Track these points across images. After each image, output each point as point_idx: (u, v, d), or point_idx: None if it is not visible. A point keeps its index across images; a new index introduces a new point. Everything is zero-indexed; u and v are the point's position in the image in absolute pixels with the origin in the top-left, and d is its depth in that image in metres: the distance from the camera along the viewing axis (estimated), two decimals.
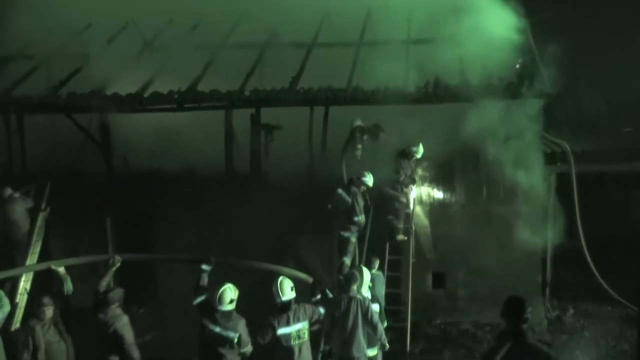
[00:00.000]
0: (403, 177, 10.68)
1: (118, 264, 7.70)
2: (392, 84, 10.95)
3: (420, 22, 10.40)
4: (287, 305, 7.12)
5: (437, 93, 10.71)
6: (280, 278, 7.26)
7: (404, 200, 10.72)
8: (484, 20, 10.39)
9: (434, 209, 11.38)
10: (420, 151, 10.68)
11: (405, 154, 10.72)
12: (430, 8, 10.62)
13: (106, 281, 7.62)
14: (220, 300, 6.98)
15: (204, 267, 7.49)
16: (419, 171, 11.22)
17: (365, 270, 8.29)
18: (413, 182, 10.86)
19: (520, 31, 10.87)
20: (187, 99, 11.26)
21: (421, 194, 11.35)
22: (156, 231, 11.37)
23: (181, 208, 11.03)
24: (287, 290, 7.15)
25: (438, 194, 11.46)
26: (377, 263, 9.34)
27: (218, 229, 10.41)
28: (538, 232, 10.55)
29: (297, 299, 7.23)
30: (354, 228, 9.97)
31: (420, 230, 11.12)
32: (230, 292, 7.05)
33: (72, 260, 8.22)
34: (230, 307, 7.02)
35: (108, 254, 9.85)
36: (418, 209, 11.24)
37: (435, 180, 11.47)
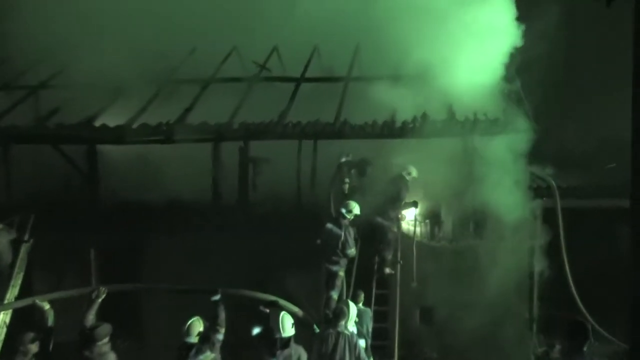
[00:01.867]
0: (397, 202, 10.65)
1: (103, 296, 7.62)
2: (380, 118, 11.12)
3: (409, 59, 10.60)
4: (287, 342, 7.05)
5: (424, 128, 10.86)
6: (283, 313, 7.25)
7: (393, 228, 10.71)
8: (471, 56, 10.61)
9: (422, 243, 11.41)
10: (413, 173, 10.67)
11: (401, 178, 10.71)
12: (418, 45, 10.83)
13: (92, 315, 7.52)
14: (189, 332, 7.01)
15: (215, 298, 7.44)
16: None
17: (352, 304, 8.29)
18: (415, 205, 10.77)
19: (507, 67, 11.13)
20: (176, 131, 11.32)
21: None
22: (142, 263, 11.27)
23: (168, 240, 10.97)
24: (288, 327, 7.11)
25: (425, 229, 11.51)
26: (362, 297, 9.31)
27: (205, 262, 10.35)
28: (525, 268, 10.61)
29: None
30: (342, 262, 9.96)
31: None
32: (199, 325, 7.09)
33: (56, 295, 8.12)
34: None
35: (92, 286, 9.72)
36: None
37: (423, 214, 11.54)
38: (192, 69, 13.27)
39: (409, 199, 10.80)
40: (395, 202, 10.66)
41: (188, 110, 11.83)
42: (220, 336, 7.19)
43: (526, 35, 10.73)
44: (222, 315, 7.35)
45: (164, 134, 11.31)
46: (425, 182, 10.65)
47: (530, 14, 10.84)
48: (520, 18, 10.78)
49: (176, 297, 9.35)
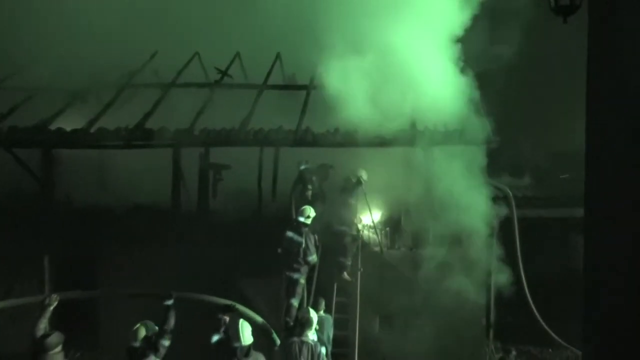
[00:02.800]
0: (353, 206, 10.74)
1: (55, 303, 7.43)
2: (342, 127, 11.21)
3: (371, 68, 10.73)
4: (247, 351, 7.01)
5: (385, 137, 10.99)
6: (241, 321, 7.20)
7: (351, 233, 10.78)
8: (431, 67, 10.80)
9: (381, 252, 11.51)
10: (363, 176, 10.75)
11: (351, 182, 10.80)
12: (380, 55, 10.97)
13: (43, 324, 7.31)
14: (134, 336, 6.95)
15: (167, 302, 7.35)
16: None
17: (312, 312, 8.30)
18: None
19: (466, 81, 11.37)
20: (135, 137, 11.17)
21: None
22: (98, 272, 11.03)
23: (125, 248, 10.78)
24: (247, 335, 7.07)
25: (385, 237, 11.62)
26: (323, 304, 9.35)
27: (163, 270, 10.21)
28: (483, 276, 10.83)
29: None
30: (303, 269, 9.96)
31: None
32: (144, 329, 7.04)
33: (6, 303, 7.88)
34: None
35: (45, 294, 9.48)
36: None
37: (383, 222, 11.66)
38: (153, 73, 13.13)
39: (362, 203, 10.91)
40: (348, 206, 10.75)
41: (148, 115, 11.69)
42: (166, 342, 7.11)
43: (486, 47, 10.99)
44: (172, 321, 7.29)
45: (122, 139, 11.14)
46: (385, 190, 10.76)
47: (492, 26, 11.10)
48: (480, 30, 11.03)
49: (131, 304, 9.21)
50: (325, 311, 9.37)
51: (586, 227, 4.92)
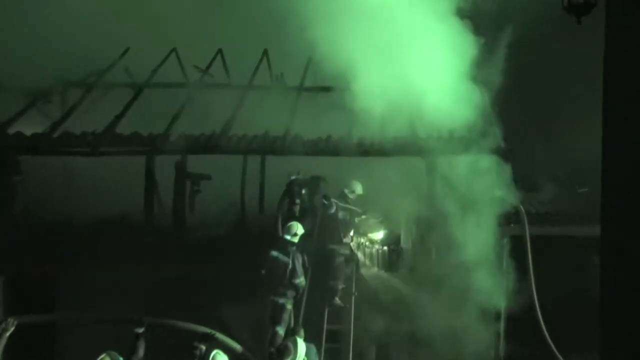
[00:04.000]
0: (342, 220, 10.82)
1: (11, 329, 7.46)
2: (336, 134, 11.31)
3: (366, 70, 10.84)
4: None
5: (383, 145, 11.09)
6: (214, 353, 7.25)
7: (345, 252, 10.85)
8: (436, 70, 10.92)
9: (379, 273, 11.59)
10: (357, 189, 10.88)
11: (342, 196, 10.90)
12: (376, 55, 11.09)
13: None
14: None
15: (138, 330, 7.38)
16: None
17: (300, 341, 8.36)
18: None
19: (475, 83, 11.50)
20: (104, 142, 11.22)
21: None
22: (60, 292, 11.03)
23: (90, 267, 10.79)
24: None
25: (383, 258, 11.71)
26: (302, 333, 9.36)
27: (134, 291, 10.24)
28: (490, 300, 10.90)
29: None
30: (290, 293, 10.02)
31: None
32: None
33: None
34: None
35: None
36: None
37: (380, 241, 11.75)
38: (124, 71, 13.20)
39: (356, 220, 11.00)
40: (339, 224, 10.82)
41: (118, 118, 11.76)
42: None
43: (496, 50, 11.13)
44: (141, 351, 7.36)
45: (89, 145, 11.20)
46: (384, 205, 10.85)
47: (502, 27, 11.25)
48: (490, 31, 11.18)
49: (96, 330, 9.24)
50: (310, 340, 9.40)
51: (602, 247, 5.02)
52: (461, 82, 11.15)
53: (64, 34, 11.84)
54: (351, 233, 11.17)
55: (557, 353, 11.14)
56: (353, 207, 10.93)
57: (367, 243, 11.51)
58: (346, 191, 10.91)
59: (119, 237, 10.90)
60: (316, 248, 10.78)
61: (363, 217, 11.54)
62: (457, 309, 10.42)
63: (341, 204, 10.82)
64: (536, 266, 11.35)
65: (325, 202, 10.85)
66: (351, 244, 11.16)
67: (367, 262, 11.57)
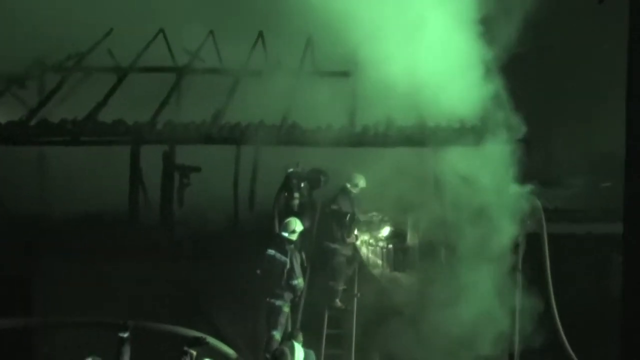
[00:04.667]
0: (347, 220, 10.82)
1: None
2: (337, 122, 11.29)
3: (369, 53, 10.82)
4: None
5: (389, 135, 11.08)
6: None
7: (347, 253, 10.85)
8: (446, 54, 10.90)
9: (383, 275, 11.60)
10: (360, 183, 10.87)
11: (344, 191, 10.88)
12: (382, 36, 11.07)
13: None
14: None
15: (122, 334, 7.40)
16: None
17: (297, 346, 8.39)
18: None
19: (489, 68, 11.48)
20: (85, 131, 11.20)
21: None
22: (36, 295, 11.06)
23: (70, 266, 10.81)
24: None
25: (388, 257, 11.72)
26: (300, 337, 9.38)
27: (118, 292, 10.27)
28: (505, 303, 10.91)
29: None
30: (287, 295, 10.04)
31: None
32: None
33: None
34: None
35: None
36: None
37: (386, 239, 11.74)
38: (107, 54, 13.17)
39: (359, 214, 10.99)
40: (340, 220, 10.81)
41: (100, 104, 11.74)
42: None
43: (512, 33, 11.09)
44: (126, 357, 7.36)
45: (69, 134, 11.18)
46: (388, 199, 10.84)
47: (518, 9, 11.20)
48: (506, 13, 11.15)
49: (77, 335, 9.26)
50: (304, 345, 9.42)
51: (626, 246, 5.02)
52: (473, 66, 11.14)
53: (41, 13, 11.83)
54: (355, 232, 11.15)
55: (573, 355, 11.17)
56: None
57: (371, 241, 11.50)
58: (348, 185, 10.90)
59: (102, 234, 10.91)
60: (315, 247, 10.77)
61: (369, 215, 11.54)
62: (468, 311, 10.43)
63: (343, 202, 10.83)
64: (554, 266, 11.38)
65: (323, 178, 10.87)
66: (355, 242, 11.13)
67: (371, 262, 11.55)
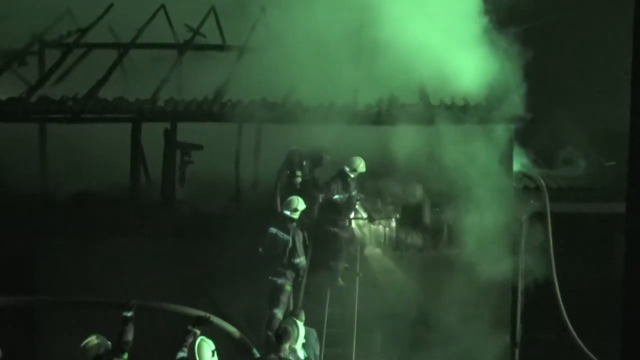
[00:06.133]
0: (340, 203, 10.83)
1: None
2: (339, 100, 11.27)
3: (369, 28, 10.76)
4: None
5: (392, 113, 11.06)
6: (199, 340, 7.33)
7: (346, 234, 10.89)
8: (448, 31, 10.85)
9: (385, 253, 11.63)
10: (359, 166, 10.80)
11: (342, 174, 10.85)
12: (385, 10, 11.01)
13: None
14: (84, 354, 7.06)
15: (126, 314, 7.47)
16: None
17: (300, 324, 8.44)
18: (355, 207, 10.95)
19: (492, 44, 11.43)
20: (85, 108, 11.21)
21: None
22: (38, 274, 11.12)
23: (72, 245, 10.86)
24: (207, 356, 7.21)
25: (389, 236, 11.74)
26: (302, 316, 9.42)
27: (120, 272, 10.32)
28: (507, 283, 10.97)
29: None
30: (289, 274, 10.07)
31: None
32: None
33: None
34: None
35: None
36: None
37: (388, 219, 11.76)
38: (108, 30, 13.14)
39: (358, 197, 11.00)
40: (337, 206, 10.81)
41: (101, 81, 11.73)
42: None
43: (515, 8, 11.03)
44: (129, 335, 7.43)
45: (70, 111, 11.19)
46: (390, 178, 10.85)
47: None
48: None
49: (80, 315, 9.32)
50: (306, 324, 9.49)
51: (628, 225, 5.03)
52: (477, 43, 11.10)
53: None
54: (353, 214, 11.15)
55: (577, 337, 11.25)
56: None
57: (372, 221, 11.52)
58: (347, 169, 10.79)
59: (103, 212, 10.95)
60: (316, 227, 10.80)
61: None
62: (469, 292, 10.49)
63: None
64: (557, 245, 11.41)
65: (325, 156, 10.87)
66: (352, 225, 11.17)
67: (373, 241, 11.59)
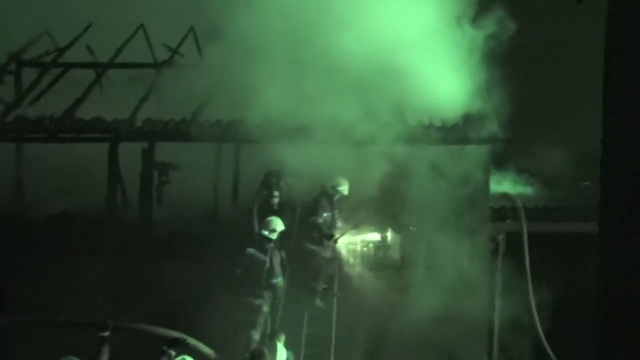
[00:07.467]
0: (324, 222, 10.84)
1: None
2: (318, 120, 11.33)
3: (348, 50, 10.86)
4: None
5: (369, 133, 11.12)
6: (180, 358, 7.32)
7: (326, 255, 10.90)
8: (427, 51, 10.97)
9: (363, 273, 11.65)
10: (343, 188, 10.88)
11: (326, 193, 10.91)
12: (361, 30, 11.11)
13: None
14: None
15: (102, 334, 7.42)
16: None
17: (279, 346, 8.44)
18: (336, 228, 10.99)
19: (470, 66, 11.57)
20: (63, 127, 11.19)
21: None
22: (13, 292, 11.02)
23: (48, 263, 10.79)
24: None
25: (367, 256, 11.76)
26: (282, 338, 9.41)
27: (96, 291, 10.27)
28: (484, 306, 11.03)
29: None
30: (267, 294, 10.08)
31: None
32: None
33: None
34: None
35: None
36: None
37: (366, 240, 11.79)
38: (86, 49, 13.14)
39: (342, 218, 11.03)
40: (318, 225, 10.82)
41: (79, 101, 11.72)
42: None
43: (493, 29, 11.18)
44: (105, 357, 7.38)
45: (46, 131, 11.16)
46: (369, 198, 10.91)
47: (500, 7, 11.31)
48: (488, 10, 11.24)
49: (54, 335, 9.24)
50: (289, 346, 9.48)
51: (599, 244, 5.11)
52: (455, 64, 11.24)
53: (18, 6, 11.77)
54: (335, 235, 11.17)
55: (554, 357, 11.31)
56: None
57: (351, 241, 11.54)
58: (329, 189, 10.90)
59: (79, 232, 10.89)
60: (295, 247, 10.81)
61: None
62: (447, 311, 10.52)
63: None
64: (533, 265, 11.50)
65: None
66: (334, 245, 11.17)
67: (351, 261, 11.61)
